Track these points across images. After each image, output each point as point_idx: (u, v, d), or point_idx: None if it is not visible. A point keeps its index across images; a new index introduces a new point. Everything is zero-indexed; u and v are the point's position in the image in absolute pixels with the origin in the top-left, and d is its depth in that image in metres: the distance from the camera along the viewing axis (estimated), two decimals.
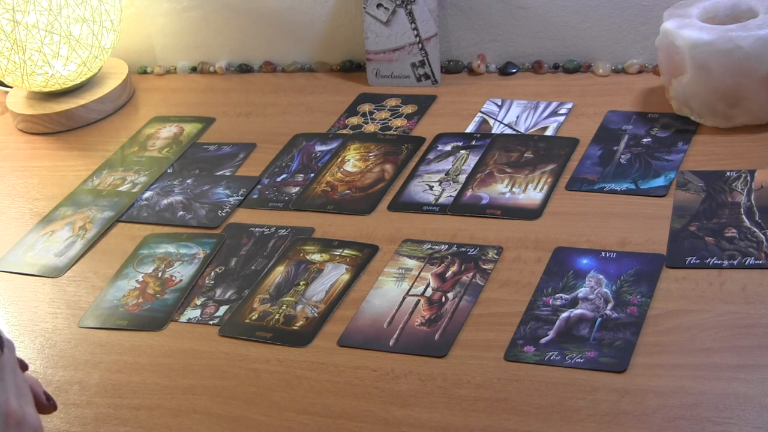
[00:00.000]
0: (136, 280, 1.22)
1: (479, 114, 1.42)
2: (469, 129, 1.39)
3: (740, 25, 1.24)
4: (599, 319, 1.03)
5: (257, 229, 1.27)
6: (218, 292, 1.18)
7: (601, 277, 1.08)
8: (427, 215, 1.24)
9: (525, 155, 1.31)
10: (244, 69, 1.66)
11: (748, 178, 1.18)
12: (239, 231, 1.27)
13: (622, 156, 1.27)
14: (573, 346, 1.00)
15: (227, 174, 1.39)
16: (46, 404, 0.91)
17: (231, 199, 1.33)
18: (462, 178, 1.29)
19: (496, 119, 1.40)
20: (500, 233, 1.18)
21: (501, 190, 1.25)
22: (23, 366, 0.91)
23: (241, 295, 1.16)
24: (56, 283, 1.25)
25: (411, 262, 1.16)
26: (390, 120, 1.45)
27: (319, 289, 1.15)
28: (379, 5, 1.50)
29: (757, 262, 1.06)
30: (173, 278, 1.21)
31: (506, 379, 0.98)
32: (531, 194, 1.23)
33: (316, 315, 1.11)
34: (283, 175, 1.37)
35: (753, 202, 1.14)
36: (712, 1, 1.31)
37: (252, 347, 1.09)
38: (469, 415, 0.96)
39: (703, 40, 1.23)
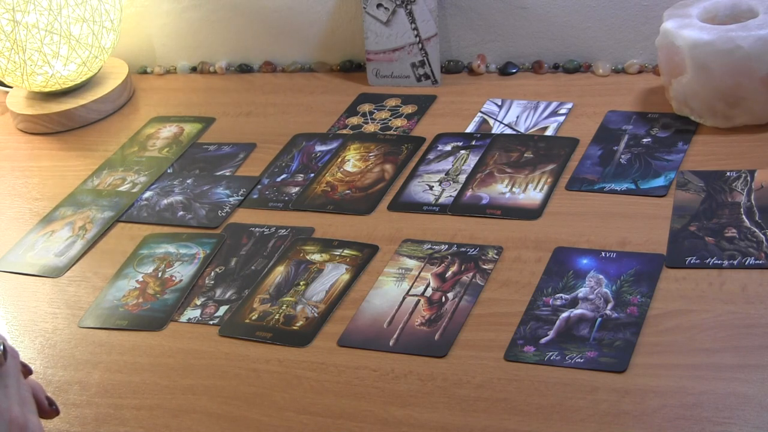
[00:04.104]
0: (136, 280, 1.22)
1: (479, 114, 1.42)
2: (469, 129, 1.39)
3: (740, 25, 1.24)
4: (599, 319, 1.03)
5: (257, 229, 1.27)
6: (218, 292, 1.18)
7: (601, 277, 1.08)
8: (427, 215, 1.24)
9: (525, 155, 1.31)
10: (244, 69, 1.67)
11: (748, 178, 1.18)
12: (239, 231, 1.27)
13: (622, 156, 1.27)
14: (573, 346, 1.00)
15: (227, 174, 1.39)
16: (48, 409, 0.91)
17: (231, 199, 1.33)
18: (462, 178, 1.29)
19: (496, 119, 1.40)
20: (500, 233, 1.18)
21: (501, 190, 1.25)
22: (27, 371, 0.91)
23: (241, 295, 1.16)
24: (56, 283, 1.25)
25: (411, 262, 1.16)
26: (390, 120, 1.45)
27: (319, 289, 1.15)
28: (379, 5, 1.50)
29: (757, 262, 1.06)
30: (173, 278, 1.21)
31: (506, 379, 0.98)
32: (531, 194, 1.23)
33: (316, 315, 1.11)
34: (283, 175, 1.37)
35: (753, 202, 1.14)
36: (712, 1, 1.31)
37: (252, 347, 1.09)
38: (469, 415, 0.96)
39: (703, 40, 1.23)
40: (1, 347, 0.85)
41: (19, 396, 0.86)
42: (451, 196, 1.26)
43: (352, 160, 1.37)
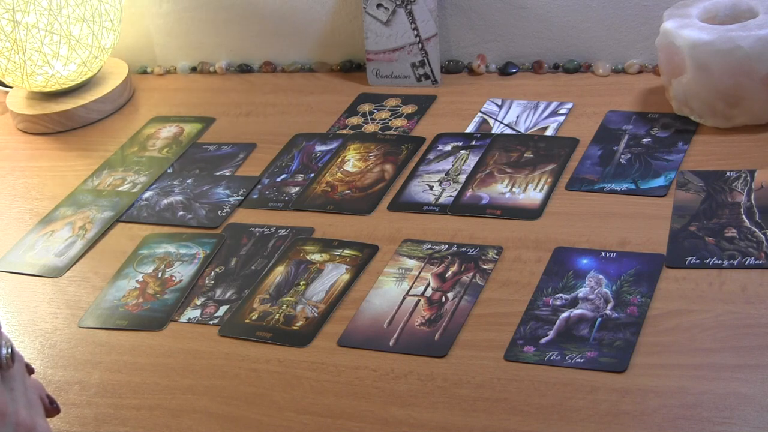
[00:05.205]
0: (136, 280, 1.22)
1: (479, 114, 1.42)
2: (469, 129, 1.39)
3: (740, 25, 1.24)
4: (599, 319, 1.03)
5: (257, 229, 1.27)
6: (218, 292, 1.18)
7: (601, 277, 1.08)
8: (427, 215, 1.24)
9: (525, 155, 1.31)
10: (244, 69, 1.67)
11: (748, 178, 1.18)
12: (239, 231, 1.27)
13: (622, 156, 1.27)
14: (573, 346, 1.00)
15: (227, 174, 1.39)
16: (49, 408, 0.91)
17: (231, 199, 1.33)
18: (462, 178, 1.29)
19: (496, 119, 1.40)
20: (500, 233, 1.18)
21: (501, 190, 1.25)
22: (29, 370, 0.91)
23: (241, 295, 1.16)
24: (56, 283, 1.25)
25: (411, 262, 1.16)
26: (390, 120, 1.45)
27: (319, 289, 1.15)
28: (379, 5, 1.50)
29: (757, 262, 1.06)
30: (173, 278, 1.21)
31: (506, 379, 0.98)
32: (531, 194, 1.23)
33: (316, 315, 1.11)
34: (283, 175, 1.37)
35: (753, 202, 1.14)
36: (712, 1, 1.31)
37: (252, 347, 1.09)
38: (469, 415, 0.96)
39: (703, 40, 1.23)
40: (9, 350, 0.85)
41: (26, 399, 0.86)
42: (451, 196, 1.26)
43: (352, 160, 1.37)
